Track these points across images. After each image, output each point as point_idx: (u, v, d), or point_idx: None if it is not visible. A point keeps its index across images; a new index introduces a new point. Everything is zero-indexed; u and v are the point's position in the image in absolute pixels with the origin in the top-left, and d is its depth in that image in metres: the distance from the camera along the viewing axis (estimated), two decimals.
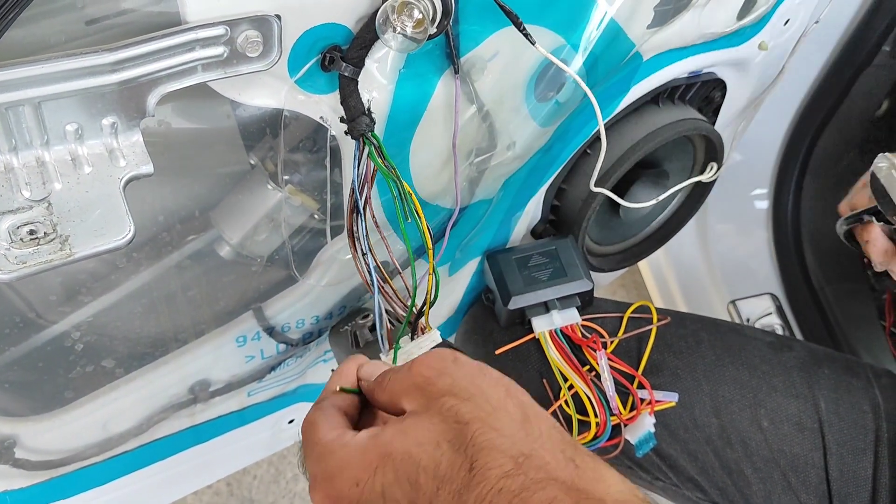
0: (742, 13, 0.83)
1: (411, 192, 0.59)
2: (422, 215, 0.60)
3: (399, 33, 0.53)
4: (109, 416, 0.75)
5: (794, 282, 1.33)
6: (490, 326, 0.92)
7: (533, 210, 0.92)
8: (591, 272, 0.98)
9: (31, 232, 0.48)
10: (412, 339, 0.63)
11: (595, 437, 0.84)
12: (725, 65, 0.93)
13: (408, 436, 0.42)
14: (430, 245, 0.61)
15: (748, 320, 1.36)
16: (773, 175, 1.34)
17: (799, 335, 1.35)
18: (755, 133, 1.19)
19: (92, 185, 0.50)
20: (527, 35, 0.61)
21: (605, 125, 0.82)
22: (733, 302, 1.37)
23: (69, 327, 0.67)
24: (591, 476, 0.40)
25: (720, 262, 1.41)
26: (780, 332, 1.33)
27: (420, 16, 0.52)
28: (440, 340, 0.62)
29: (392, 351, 0.62)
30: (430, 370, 0.45)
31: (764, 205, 1.37)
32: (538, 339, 0.86)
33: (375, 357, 0.59)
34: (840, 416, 0.82)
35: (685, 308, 1.49)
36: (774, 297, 1.36)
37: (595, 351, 0.84)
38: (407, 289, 0.64)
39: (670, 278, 1.49)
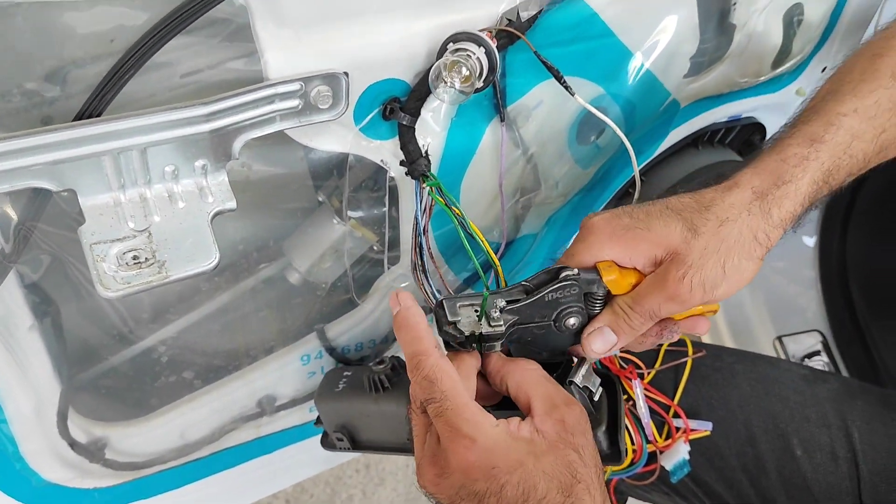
0: (776, 63, 0.88)
1: (463, 214, 0.66)
2: (480, 234, 0.67)
3: (449, 87, 0.60)
4: (187, 424, 0.83)
5: (839, 318, 1.34)
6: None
7: None
8: None
9: (135, 257, 0.56)
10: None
11: (632, 463, 0.88)
12: (764, 109, 0.98)
13: (539, 461, 0.54)
14: (494, 257, 0.68)
15: (794, 356, 1.37)
16: (820, 212, 1.36)
17: (845, 372, 1.35)
18: None
19: (185, 218, 0.58)
20: (567, 87, 0.68)
21: (645, 166, 0.88)
22: (779, 338, 1.39)
23: (157, 342, 0.76)
24: None
25: (767, 298, 1.43)
26: (825, 368, 1.35)
27: (467, 73, 0.59)
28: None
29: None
30: (575, 422, 0.57)
31: (811, 241, 1.39)
32: None
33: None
34: (874, 446, 0.85)
35: (731, 342, 1.51)
36: (822, 334, 1.38)
37: (632, 381, 0.89)
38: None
39: (717, 313, 1.51)
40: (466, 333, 0.61)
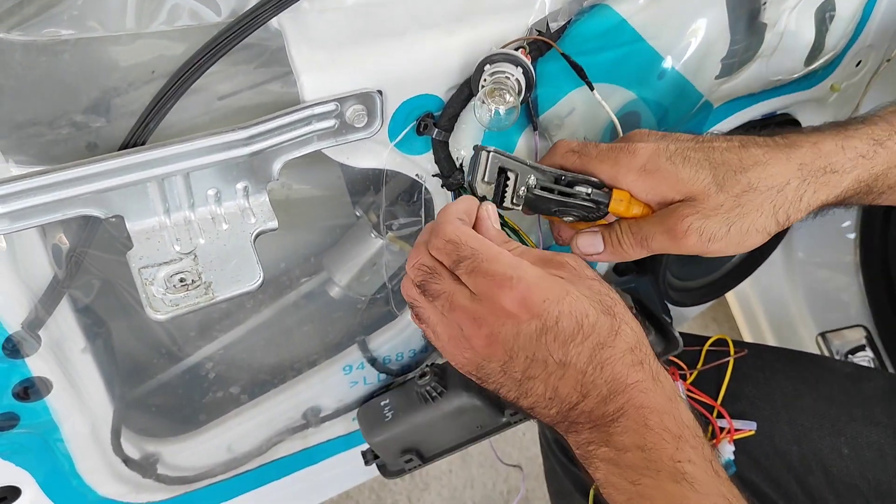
0: (809, 60, 0.87)
1: (508, 220, 0.68)
2: (525, 235, 0.69)
3: (494, 113, 0.60)
4: (234, 438, 0.84)
5: (883, 313, 1.32)
6: None
7: None
8: (674, 306, 1.02)
9: (182, 280, 0.58)
10: None
11: None
12: (798, 105, 0.97)
13: (578, 287, 0.55)
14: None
15: (838, 352, 1.35)
16: (861, 206, 1.34)
17: (890, 366, 1.33)
18: None
19: (228, 239, 0.60)
20: (589, 84, 0.68)
21: None
22: (822, 334, 1.37)
23: (204, 359, 0.77)
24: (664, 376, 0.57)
25: (808, 294, 1.41)
26: (870, 364, 1.33)
27: (511, 98, 0.59)
28: None
29: None
30: (576, 260, 0.58)
31: (852, 236, 1.37)
32: None
33: None
34: None
35: (773, 340, 1.49)
36: (866, 329, 1.36)
37: (674, 382, 0.89)
38: None
39: (758, 311, 1.50)
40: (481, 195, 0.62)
